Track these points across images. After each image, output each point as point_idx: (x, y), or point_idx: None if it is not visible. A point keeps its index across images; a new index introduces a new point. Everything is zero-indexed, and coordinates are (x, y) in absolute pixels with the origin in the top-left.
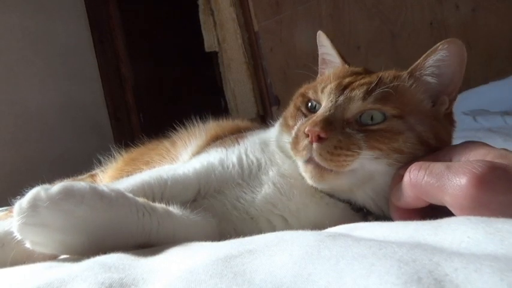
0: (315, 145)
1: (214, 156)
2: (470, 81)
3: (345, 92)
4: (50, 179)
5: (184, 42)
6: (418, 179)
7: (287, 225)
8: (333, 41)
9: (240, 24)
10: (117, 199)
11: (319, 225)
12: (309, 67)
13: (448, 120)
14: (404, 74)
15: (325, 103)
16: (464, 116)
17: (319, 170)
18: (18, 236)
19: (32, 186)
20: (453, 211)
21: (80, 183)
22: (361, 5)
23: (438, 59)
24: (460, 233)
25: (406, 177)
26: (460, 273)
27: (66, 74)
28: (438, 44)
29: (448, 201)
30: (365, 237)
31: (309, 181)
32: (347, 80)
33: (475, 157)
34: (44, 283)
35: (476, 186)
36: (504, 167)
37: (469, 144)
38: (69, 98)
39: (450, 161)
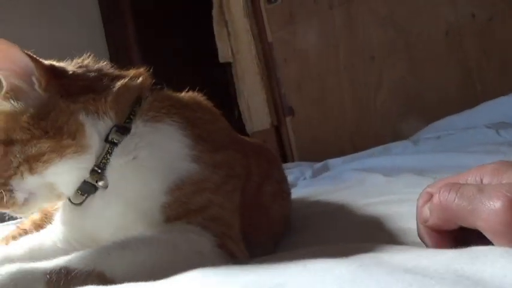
0: None
1: None
2: (488, 90)
3: None
4: None
5: (198, 53)
6: (449, 201)
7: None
8: (347, 52)
9: (254, 35)
10: None
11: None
12: (322, 77)
13: (60, 89)
14: None
15: None
16: (486, 129)
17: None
18: None
19: None
20: (487, 236)
21: None
22: (375, 15)
23: None
24: (500, 266)
25: (436, 199)
26: None
27: None
28: None
29: (481, 226)
30: (398, 266)
31: None
32: None
33: (508, 179)
34: None
35: (511, 211)
36: None
37: (501, 165)
38: None
39: (481, 182)
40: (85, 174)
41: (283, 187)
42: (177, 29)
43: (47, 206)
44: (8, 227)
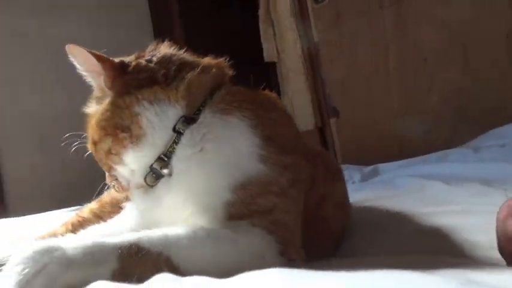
0: None
1: None
2: None
3: None
4: None
5: (243, 52)
6: None
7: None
8: (397, 53)
9: (300, 35)
10: None
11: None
12: (369, 79)
13: (121, 86)
14: None
15: None
16: None
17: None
18: None
19: (96, 186)
20: None
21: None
22: (428, 15)
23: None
24: None
25: None
26: None
27: None
28: None
29: None
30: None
31: None
32: None
33: None
34: None
35: None
36: None
37: None
38: None
39: None
40: (150, 161)
41: (344, 199)
42: (223, 30)
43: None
44: (69, 214)
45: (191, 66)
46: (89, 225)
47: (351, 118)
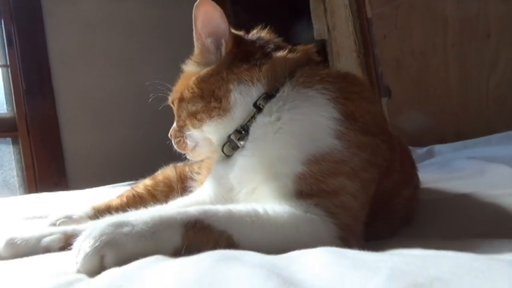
0: None
1: None
2: None
3: None
4: (166, 156)
5: (293, 31)
6: None
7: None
8: (456, 28)
9: (352, 11)
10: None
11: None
12: (425, 56)
13: (234, 53)
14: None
15: None
16: None
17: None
18: None
19: (149, 163)
20: None
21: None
22: None
23: (197, 24)
24: None
25: None
26: None
27: (180, 60)
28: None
29: None
30: None
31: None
32: None
33: None
34: None
35: None
36: None
37: None
38: None
39: None
40: (229, 132)
41: (417, 193)
42: (273, 11)
43: (210, 154)
44: (124, 188)
45: (282, 49)
46: (141, 202)
47: (404, 98)
